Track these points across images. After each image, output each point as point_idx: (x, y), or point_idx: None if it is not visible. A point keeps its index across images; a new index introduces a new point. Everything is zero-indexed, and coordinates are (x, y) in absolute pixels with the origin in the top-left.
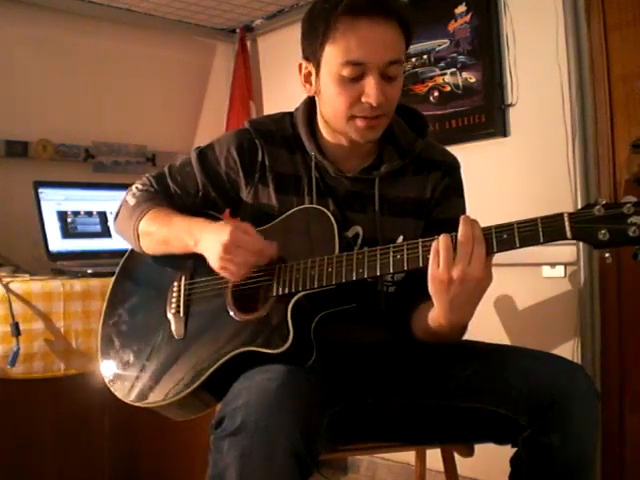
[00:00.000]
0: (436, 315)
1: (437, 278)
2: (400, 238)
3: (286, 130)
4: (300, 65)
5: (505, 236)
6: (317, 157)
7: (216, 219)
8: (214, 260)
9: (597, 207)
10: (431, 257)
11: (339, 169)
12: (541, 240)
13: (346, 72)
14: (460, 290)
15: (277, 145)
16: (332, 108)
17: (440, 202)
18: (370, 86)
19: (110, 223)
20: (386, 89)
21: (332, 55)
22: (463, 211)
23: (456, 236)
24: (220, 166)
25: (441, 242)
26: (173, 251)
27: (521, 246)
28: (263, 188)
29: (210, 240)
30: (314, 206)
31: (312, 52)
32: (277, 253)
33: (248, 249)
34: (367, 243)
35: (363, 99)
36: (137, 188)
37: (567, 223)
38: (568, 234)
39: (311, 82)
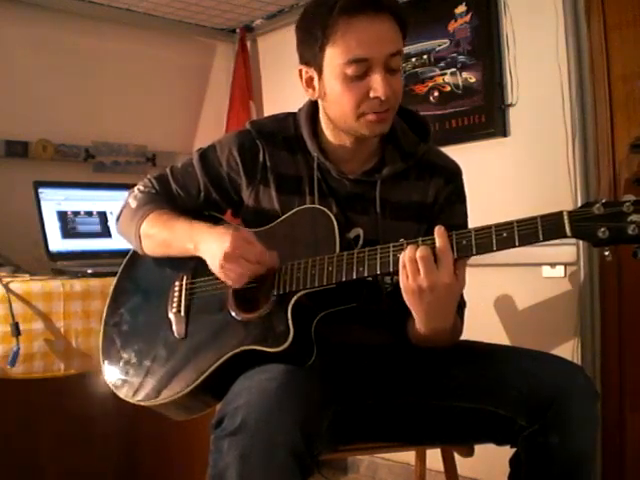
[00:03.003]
0: (417, 324)
1: (408, 289)
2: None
3: (288, 131)
4: (300, 71)
5: (505, 234)
6: (320, 158)
7: (218, 220)
8: (215, 267)
9: (597, 205)
10: (400, 269)
11: (341, 171)
12: (541, 238)
13: (350, 71)
14: (432, 298)
15: (278, 146)
16: (340, 108)
17: (444, 209)
18: (377, 81)
19: (111, 224)
20: (391, 81)
21: (334, 57)
22: (466, 217)
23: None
24: (222, 167)
25: (407, 254)
26: (174, 254)
27: (521, 244)
28: (264, 189)
29: (211, 246)
30: (315, 206)
31: (312, 57)
32: (278, 263)
33: (249, 259)
34: (368, 245)
35: (371, 94)
36: (139, 190)
37: (567, 221)
38: (568, 232)
39: (314, 86)
